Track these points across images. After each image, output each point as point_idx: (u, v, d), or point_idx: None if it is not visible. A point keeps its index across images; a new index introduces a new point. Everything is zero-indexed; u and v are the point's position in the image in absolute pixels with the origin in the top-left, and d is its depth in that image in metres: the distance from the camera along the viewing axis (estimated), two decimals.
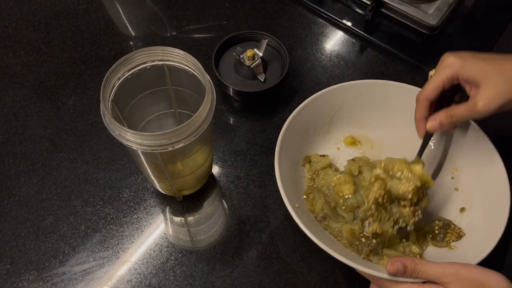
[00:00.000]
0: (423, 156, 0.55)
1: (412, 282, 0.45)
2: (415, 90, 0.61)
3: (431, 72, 0.54)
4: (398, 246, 0.55)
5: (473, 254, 0.49)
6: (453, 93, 0.54)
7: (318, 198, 0.58)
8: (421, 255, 0.54)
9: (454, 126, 0.55)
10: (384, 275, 0.46)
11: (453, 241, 0.54)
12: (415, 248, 0.54)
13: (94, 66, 0.73)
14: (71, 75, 0.72)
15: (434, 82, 0.51)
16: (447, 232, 0.54)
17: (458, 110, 0.51)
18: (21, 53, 0.74)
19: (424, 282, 0.45)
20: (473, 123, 0.57)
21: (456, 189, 0.59)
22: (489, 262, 0.46)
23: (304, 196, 0.58)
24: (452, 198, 0.58)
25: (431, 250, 0.55)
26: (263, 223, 0.60)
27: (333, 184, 0.58)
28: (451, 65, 0.50)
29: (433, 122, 0.53)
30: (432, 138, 0.62)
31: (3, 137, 0.66)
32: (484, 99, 0.48)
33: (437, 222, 0.55)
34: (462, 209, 0.56)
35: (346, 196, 0.57)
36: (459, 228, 0.55)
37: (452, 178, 0.60)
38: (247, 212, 0.61)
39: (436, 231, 0.55)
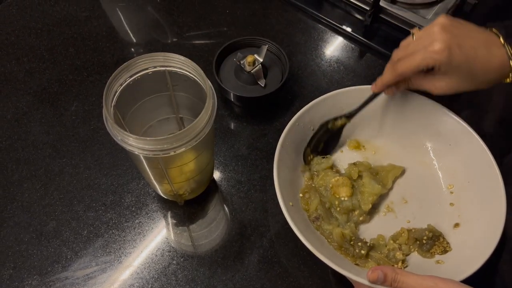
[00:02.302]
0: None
1: None
2: (424, 99, 0.61)
3: (414, 30, 0.54)
4: (384, 248, 0.55)
5: (457, 271, 0.49)
6: None
7: (314, 197, 0.58)
8: (403, 261, 0.54)
9: None
10: (365, 281, 0.47)
11: (438, 254, 0.54)
12: (398, 254, 0.54)
13: (96, 72, 0.74)
14: (73, 82, 0.73)
15: (417, 65, 0.52)
16: (434, 244, 0.55)
17: (418, 82, 0.55)
18: (23, 60, 0.75)
19: None
20: (481, 142, 0.57)
21: (452, 204, 0.59)
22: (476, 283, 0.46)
23: (300, 195, 0.59)
24: (448, 212, 0.58)
25: (418, 260, 0.55)
26: (264, 227, 0.60)
27: (330, 185, 0.58)
28: (438, 58, 0.50)
29: (394, 90, 0.59)
30: (434, 148, 0.62)
31: (6, 143, 0.66)
32: (441, 89, 0.53)
33: (426, 233, 0.55)
34: (457, 225, 0.56)
35: (342, 199, 0.58)
36: (447, 243, 0.55)
37: (452, 192, 0.60)
38: (248, 216, 0.61)
39: (424, 241, 0.55)
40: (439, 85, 0.53)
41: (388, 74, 0.56)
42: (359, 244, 0.55)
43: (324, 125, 0.62)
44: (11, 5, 0.82)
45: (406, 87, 0.58)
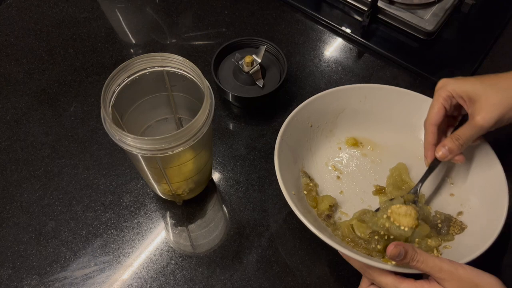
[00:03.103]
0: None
1: (401, 277, 0.46)
2: (419, 96, 0.62)
3: None
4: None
5: (464, 255, 0.49)
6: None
7: (325, 200, 0.57)
8: (437, 249, 0.52)
9: (463, 149, 0.54)
10: (374, 263, 0.46)
11: (456, 233, 0.53)
12: (431, 242, 0.52)
13: (95, 73, 0.74)
14: (72, 83, 0.73)
15: (433, 107, 0.55)
16: (450, 225, 0.54)
17: (462, 130, 0.53)
18: (23, 61, 0.75)
19: (416, 279, 0.45)
20: None
21: (452, 194, 0.59)
22: (485, 265, 0.46)
23: (305, 192, 0.59)
24: (450, 202, 0.59)
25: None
26: (262, 227, 0.60)
27: (389, 210, 0.52)
28: (444, 86, 0.53)
29: (443, 149, 0.54)
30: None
31: (6, 143, 0.66)
32: (480, 112, 0.50)
33: (438, 216, 0.55)
34: (460, 213, 0.57)
35: (402, 228, 0.51)
36: (461, 221, 0.54)
37: (452, 184, 0.60)
38: (246, 216, 0.61)
39: (440, 225, 0.54)
40: (481, 117, 0.50)
41: (425, 135, 0.57)
42: (376, 237, 0.52)
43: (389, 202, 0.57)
44: (10, 6, 0.82)
45: (460, 145, 0.53)
